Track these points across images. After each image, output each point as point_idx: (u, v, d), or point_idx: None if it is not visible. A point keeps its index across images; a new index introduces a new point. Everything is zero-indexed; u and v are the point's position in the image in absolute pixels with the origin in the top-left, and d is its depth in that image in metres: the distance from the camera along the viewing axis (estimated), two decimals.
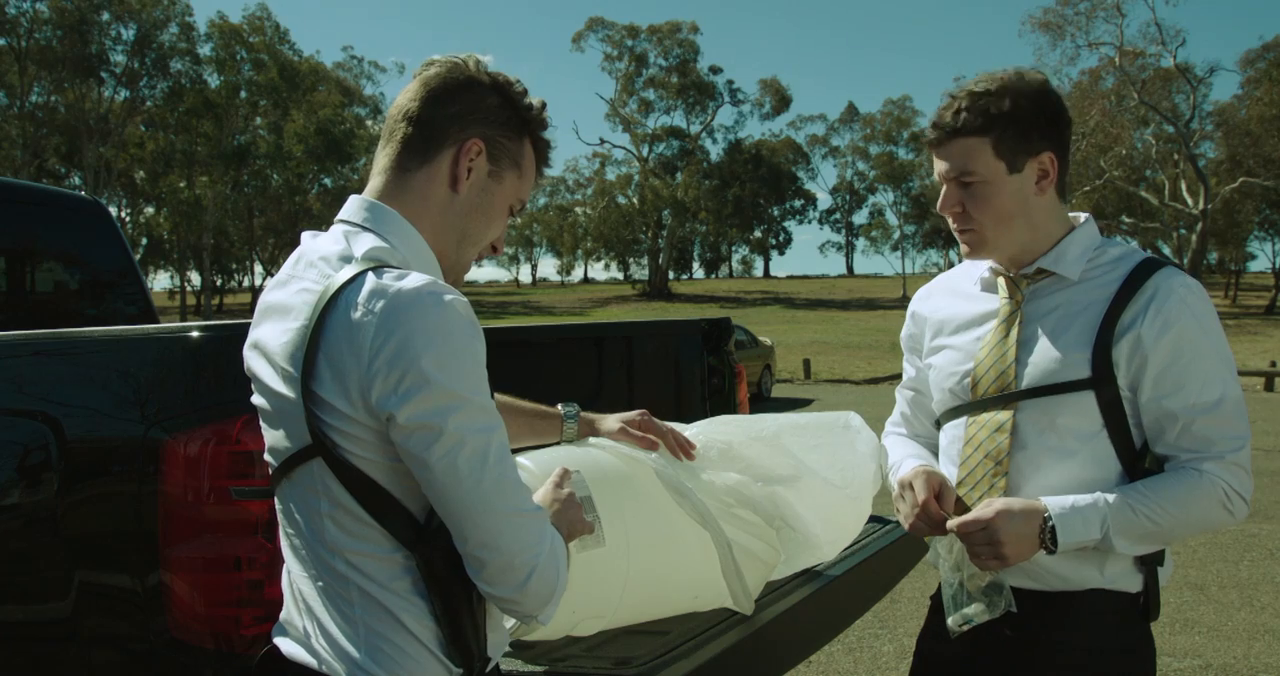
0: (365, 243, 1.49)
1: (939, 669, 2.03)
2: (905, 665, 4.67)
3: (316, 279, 1.45)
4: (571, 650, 1.99)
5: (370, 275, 1.40)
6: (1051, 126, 1.87)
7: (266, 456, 1.51)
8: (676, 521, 2.05)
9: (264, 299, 1.53)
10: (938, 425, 2.04)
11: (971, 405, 1.91)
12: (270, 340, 1.47)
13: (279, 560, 1.81)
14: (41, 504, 2.10)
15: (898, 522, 3.06)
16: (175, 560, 1.86)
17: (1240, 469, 1.80)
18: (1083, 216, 1.97)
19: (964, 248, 1.94)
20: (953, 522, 1.81)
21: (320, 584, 1.46)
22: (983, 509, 1.78)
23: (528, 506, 1.43)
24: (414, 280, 1.39)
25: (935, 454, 2.08)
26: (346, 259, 1.47)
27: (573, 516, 1.60)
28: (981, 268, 2.02)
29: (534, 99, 1.63)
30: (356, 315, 1.37)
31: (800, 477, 2.20)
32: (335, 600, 1.45)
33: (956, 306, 2.04)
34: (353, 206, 1.57)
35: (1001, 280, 1.95)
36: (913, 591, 5.72)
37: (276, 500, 1.52)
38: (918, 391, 2.15)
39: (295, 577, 1.50)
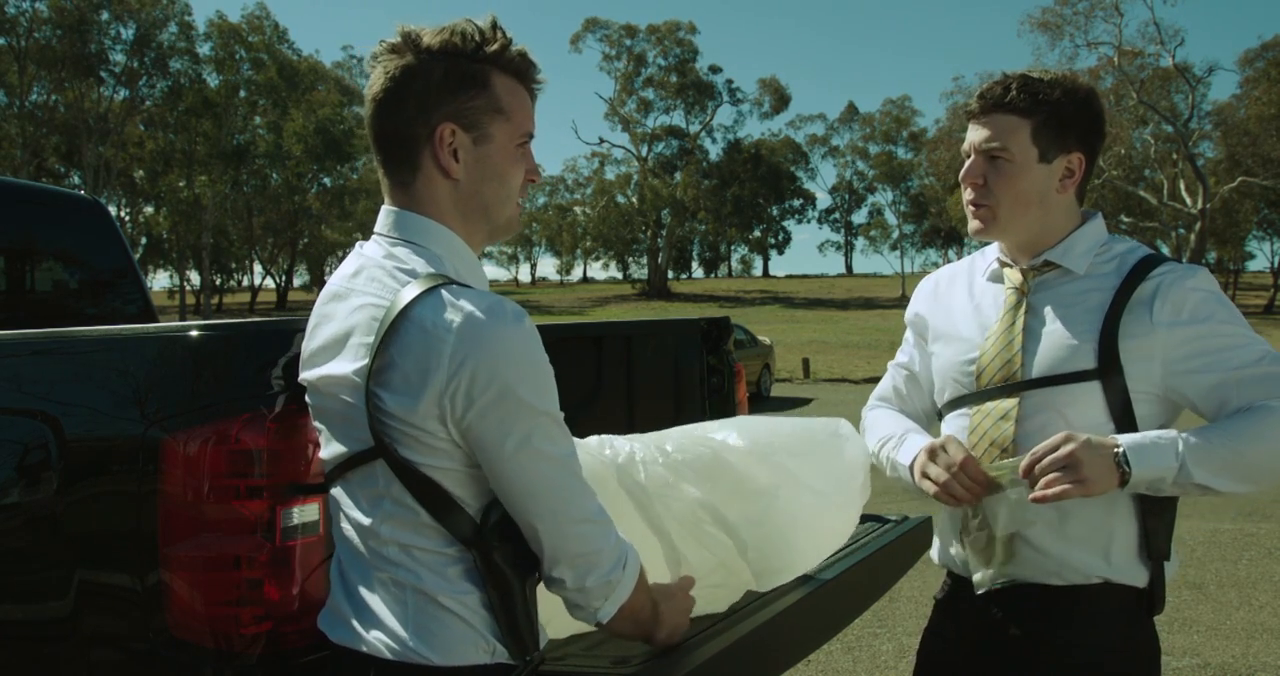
0: (419, 257, 1.52)
1: (943, 670, 2.03)
2: (904, 664, 4.68)
3: (379, 293, 1.48)
4: (570, 649, 1.99)
5: (442, 292, 1.44)
6: (1089, 130, 1.91)
7: (322, 454, 1.57)
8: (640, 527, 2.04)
9: (320, 310, 1.57)
10: (940, 416, 2.06)
11: (976, 395, 1.92)
12: (331, 352, 1.51)
13: (278, 559, 1.81)
14: (41, 503, 2.10)
15: (897, 521, 3.07)
16: (175, 559, 1.86)
17: None
18: (1091, 213, 1.98)
19: (974, 224, 1.94)
20: (1025, 459, 1.75)
21: (373, 571, 1.50)
22: (1052, 438, 1.74)
23: (594, 511, 1.52)
24: (485, 299, 1.44)
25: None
26: (410, 274, 1.49)
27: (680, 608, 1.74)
28: (989, 259, 2.04)
29: (480, 28, 1.56)
30: (433, 333, 1.41)
31: (782, 486, 2.17)
32: (387, 585, 1.49)
33: (962, 296, 2.05)
34: (387, 220, 1.60)
35: (1009, 271, 1.97)
36: (912, 591, 5.73)
37: (332, 495, 1.58)
38: (912, 372, 2.16)
39: (346, 566, 1.55)
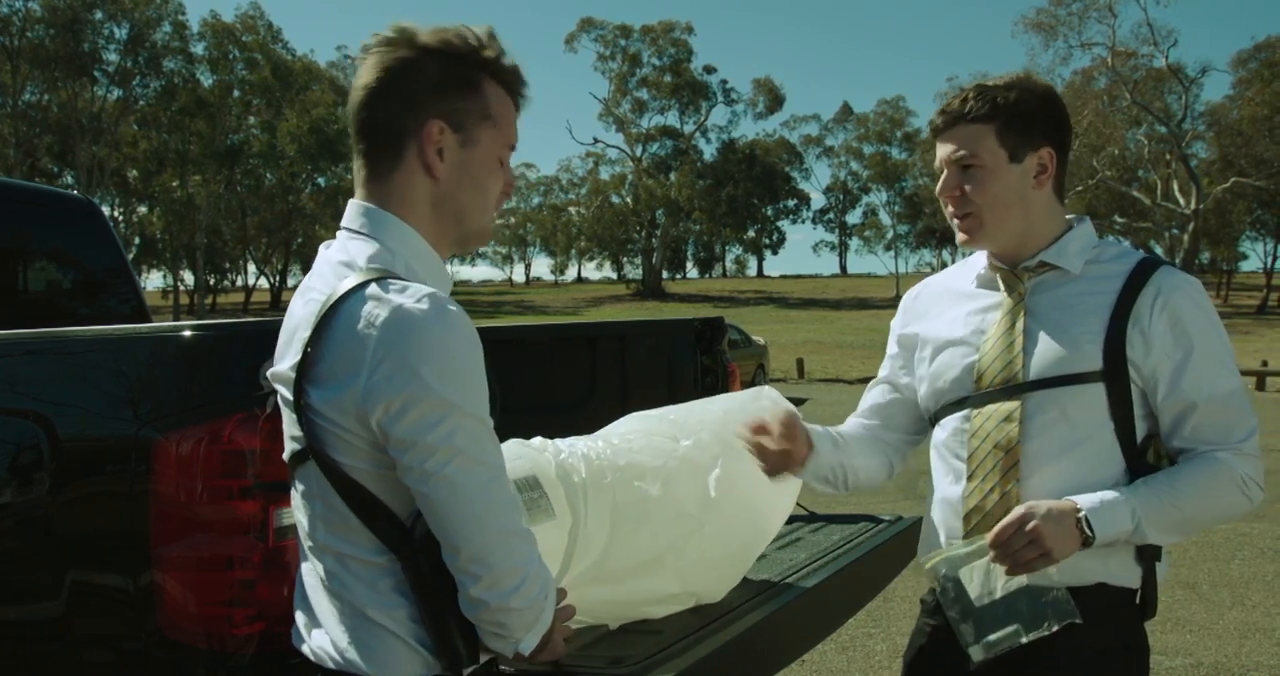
0: (365, 249, 1.50)
1: (934, 671, 2.03)
2: (898, 664, 4.68)
3: (321, 287, 1.47)
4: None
5: (374, 286, 1.40)
6: (1053, 124, 1.93)
7: (284, 454, 1.55)
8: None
9: (289, 309, 1.56)
10: (933, 421, 2.04)
11: (977, 397, 1.92)
12: (284, 348, 1.51)
13: (270, 560, 1.81)
14: (33, 503, 2.09)
15: (891, 521, 3.07)
16: (167, 559, 1.86)
17: (1253, 456, 1.85)
18: (1078, 217, 2.00)
19: (960, 236, 1.96)
20: (988, 535, 1.79)
21: (316, 578, 1.50)
22: (1013, 513, 1.78)
23: (520, 527, 1.45)
24: (415, 293, 1.39)
25: (893, 449, 2.18)
26: (349, 266, 1.47)
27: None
28: (978, 265, 2.04)
29: (478, 34, 1.55)
30: (358, 327, 1.38)
31: (723, 458, 2.18)
32: (327, 594, 1.48)
33: (953, 303, 2.05)
34: (351, 213, 1.58)
35: (1000, 275, 1.97)
36: (905, 590, 5.73)
37: (291, 498, 1.56)
38: (896, 386, 2.16)
39: (303, 571, 1.55)
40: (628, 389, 3.24)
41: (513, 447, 2.01)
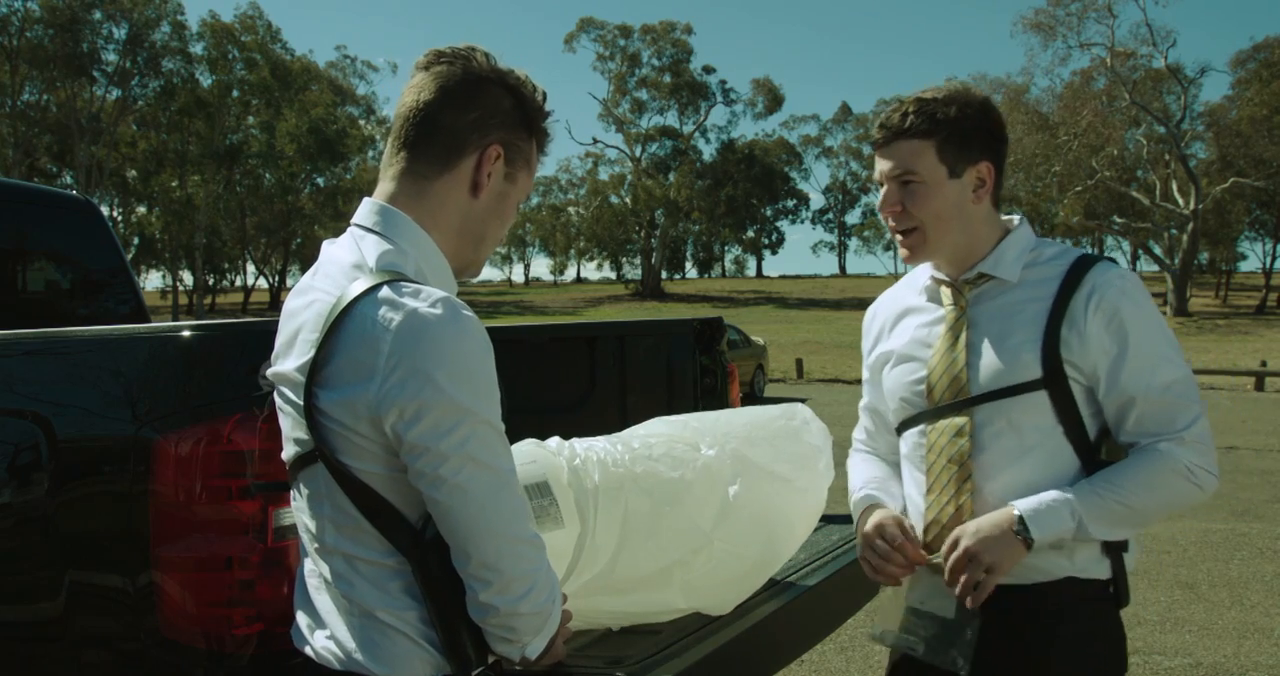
0: (377, 250, 1.49)
1: (916, 668, 2.04)
2: None
3: (329, 289, 1.46)
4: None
5: (387, 289, 1.40)
6: (991, 139, 1.96)
7: (284, 455, 1.54)
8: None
9: (286, 308, 1.55)
10: (899, 432, 2.08)
11: (929, 412, 1.96)
12: (285, 348, 1.50)
13: (270, 560, 1.81)
14: (32, 503, 2.09)
15: None
16: (166, 560, 1.86)
17: (1199, 443, 1.86)
18: (1016, 219, 2.03)
19: (903, 252, 2.00)
20: (936, 558, 1.87)
21: (323, 579, 1.49)
22: (950, 540, 1.85)
23: (530, 534, 1.45)
24: (429, 297, 1.39)
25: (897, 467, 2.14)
26: (360, 267, 1.47)
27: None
28: (923, 278, 2.07)
29: (538, 91, 1.63)
30: (371, 331, 1.38)
31: (743, 475, 2.15)
32: (334, 596, 1.47)
33: (904, 318, 2.09)
34: (365, 210, 1.57)
35: (944, 288, 2.01)
36: None
37: (292, 498, 1.55)
38: (877, 410, 2.19)
39: (306, 572, 1.54)
40: (627, 389, 3.24)
41: (527, 449, 1.99)
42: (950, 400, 1.93)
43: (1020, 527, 1.81)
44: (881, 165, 1.97)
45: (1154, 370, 1.86)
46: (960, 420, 1.92)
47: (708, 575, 2.14)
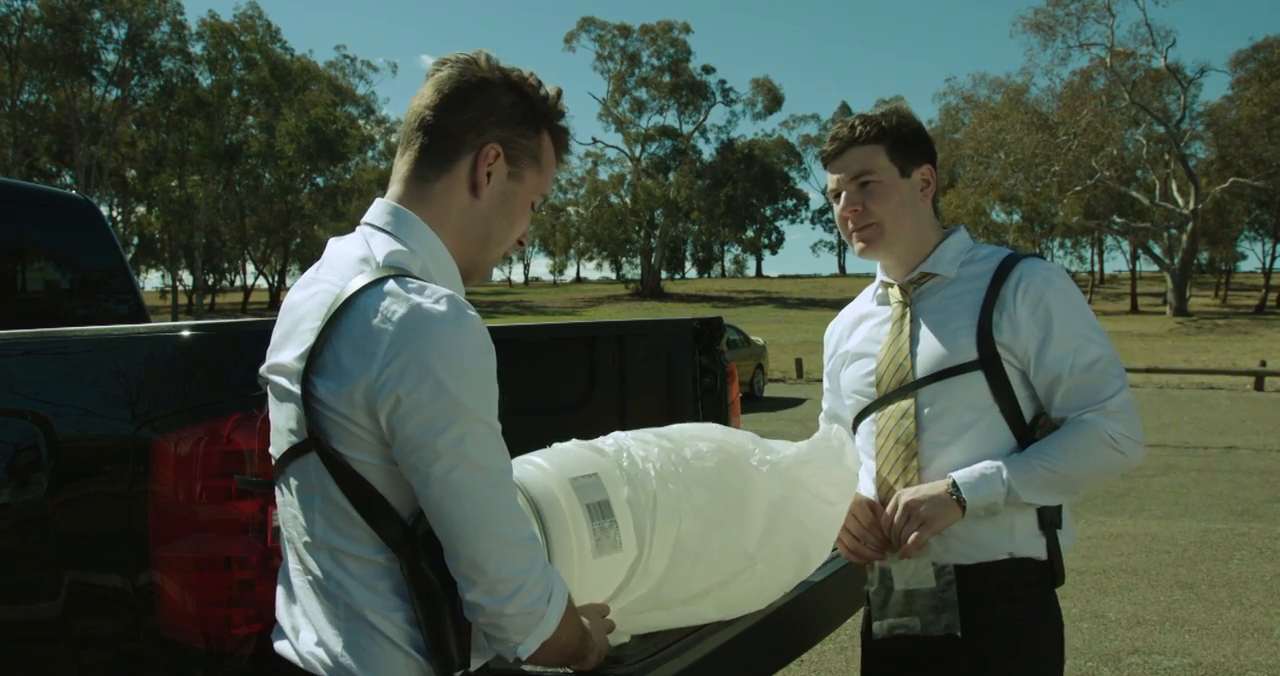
0: (387, 248, 1.50)
1: (888, 650, 2.18)
2: None
3: (334, 280, 1.47)
4: None
5: (392, 283, 1.41)
6: (927, 145, 2.18)
7: (270, 449, 1.53)
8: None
9: (286, 303, 1.55)
10: (854, 427, 2.23)
11: (879, 401, 2.13)
12: (283, 339, 1.49)
13: (270, 559, 1.80)
14: (31, 503, 2.09)
15: None
16: (166, 559, 1.85)
17: (1122, 412, 2.01)
18: (954, 227, 2.21)
19: (859, 245, 2.15)
20: (883, 519, 2.05)
21: (309, 578, 1.48)
22: (891, 502, 2.04)
23: (522, 536, 1.44)
24: (434, 293, 1.40)
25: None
26: (366, 261, 1.48)
27: (587, 641, 1.59)
28: (874, 286, 2.26)
29: (549, 88, 1.63)
30: (374, 322, 1.38)
31: (792, 498, 2.14)
32: (320, 596, 1.46)
33: (859, 325, 2.27)
34: (376, 210, 1.58)
35: (893, 290, 2.18)
36: None
37: (276, 493, 1.54)
38: (838, 416, 2.33)
39: (290, 572, 1.52)
40: (626, 389, 3.24)
41: (586, 455, 1.93)
42: (896, 387, 2.09)
43: (954, 489, 1.98)
44: (837, 174, 2.15)
45: (1078, 350, 2.01)
46: (905, 403, 2.08)
47: (743, 592, 2.12)
